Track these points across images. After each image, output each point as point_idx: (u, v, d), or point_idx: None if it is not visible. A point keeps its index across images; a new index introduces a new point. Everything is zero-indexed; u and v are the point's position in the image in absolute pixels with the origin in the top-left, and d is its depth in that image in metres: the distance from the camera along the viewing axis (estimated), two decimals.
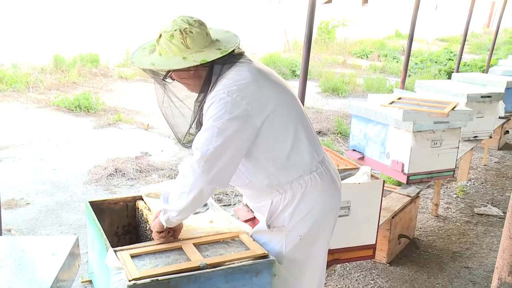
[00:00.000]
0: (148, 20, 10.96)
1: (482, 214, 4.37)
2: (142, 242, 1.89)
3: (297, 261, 1.83)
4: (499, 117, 5.26)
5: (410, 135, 3.35)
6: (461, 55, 7.39)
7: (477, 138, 4.70)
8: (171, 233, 1.82)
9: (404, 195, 3.46)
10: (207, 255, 1.70)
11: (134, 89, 8.67)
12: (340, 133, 6.51)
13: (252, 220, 2.77)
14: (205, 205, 2.18)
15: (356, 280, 3.20)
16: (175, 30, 1.69)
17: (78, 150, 5.34)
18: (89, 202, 2.05)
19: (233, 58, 1.74)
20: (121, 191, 4.30)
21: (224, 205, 4.12)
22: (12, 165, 4.78)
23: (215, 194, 4.32)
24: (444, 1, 22.86)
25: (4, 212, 3.72)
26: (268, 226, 1.82)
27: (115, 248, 1.67)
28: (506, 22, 21.74)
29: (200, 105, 1.77)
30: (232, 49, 1.72)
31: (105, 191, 4.31)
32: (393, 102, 3.61)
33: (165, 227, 1.76)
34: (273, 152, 1.75)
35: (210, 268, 1.59)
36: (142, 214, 2.05)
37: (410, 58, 5.84)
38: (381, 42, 16.79)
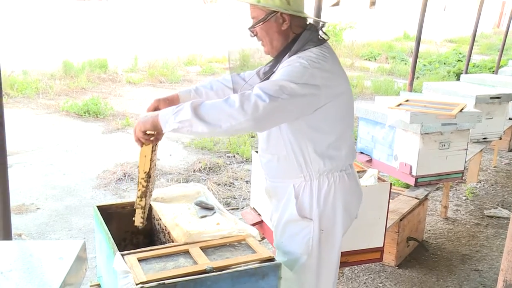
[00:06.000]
0: (156, 26, 11.05)
1: (492, 216, 4.33)
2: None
3: (318, 256, 1.88)
4: (509, 118, 5.21)
5: (417, 137, 3.33)
6: (470, 56, 7.35)
7: (487, 139, 4.66)
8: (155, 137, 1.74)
9: (412, 197, 3.44)
10: (214, 258, 1.70)
11: (142, 94, 8.72)
12: None
13: (260, 224, 2.78)
14: (212, 209, 2.19)
15: (365, 283, 3.19)
16: None
17: (87, 155, 5.39)
18: (97, 206, 2.07)
19: (320, 40, 1.81)
20: (130, 196, 4.32)
21: (232, 209, 4.12)
22: (22, 171, 4.83)
23: (223, 198, 4.33)
24: (452, 2, 22.73)
25: (14, 217, 3.76)
26: (297, 213, 1.85)
27: (123, 252, 1.68)
28: None
29: (271, 68, 1.82)
30: (324, 23, 1.84)
31: (114, 196, 4.34)
32: (400, 104, 3.59)
33: (163, 132, 1.66)
34: (318, 135, 1.78)
35: (216, 272, 1.60)
36: (156, 219, 2.07)
37: (418, 59, 5.82)
38: (389, 44, 16.71)
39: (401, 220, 3.23)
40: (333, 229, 1.87)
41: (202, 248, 1.75)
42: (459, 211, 4.42)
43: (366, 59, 14.89)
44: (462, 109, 3.48)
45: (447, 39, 21.14)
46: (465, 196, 4.78)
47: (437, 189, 4.40)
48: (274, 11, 1.75)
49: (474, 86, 4.95)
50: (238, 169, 5.11)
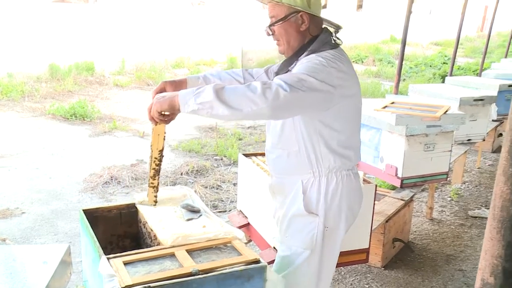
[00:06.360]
0: (143, 28, 11.01)
1: (476, 217, 4.40)
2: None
3: (321, 252, 1.91)
4: (492, 120, 5.29)
5: (403, 139, 3.37)
6: (454, 59, 7.43)
7: (471, 141, 4.73)
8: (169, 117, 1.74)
9: (398, 199, 3.48)
10: (200, 261, 1.70)
11: (129, 97, 8.68)
12: None
13: (246, 226, 2.79)
14: (198, 212, 2.19)
15: (351, 284, 3.21)
16: None
17: (73, 159, 5.35)
18: (83, 210, 2.06)
19: (335, 44, 1.87)
20: (117, 199, 4.30)
21: (219, 211, 4.12)
22: (7, 174, 4.78)
23: (211, 201, 4.33)
24: (438, 5, 23.01)
25: None
26: (304, 208, 1.87)
27: (108, 256, 1.67)
28: (500, 26, 21.90)
29: (286, 67, 1.87)
30: (340, 27, 1.89)
31: (101, 199, 4.31)
32: (386, 106, 3.63)
33: (180, 111, 1.67)
34: (330, 132, 1.83)
35: (202, 274, 1.60)
36: (142, 222, 2.06)
37: (404, 62, 5.88)
38: (376, 47, 16.87)
39: (387, 221, 3.26)
40: (337, 226, 1.91)
41: (188, 251, 1.76)
42: (444, 212, 4.48)
43: (353, 61, 14.99)
44: (446, 111, 3.53)
45: (433, 42, 21.40)
46: (450, 197, 4.84)
47: (423, 190, 4.45)
48: (295, 11, 1.80)
49: (458, 89, 5.02)
50: (225, 172, 5.11)
